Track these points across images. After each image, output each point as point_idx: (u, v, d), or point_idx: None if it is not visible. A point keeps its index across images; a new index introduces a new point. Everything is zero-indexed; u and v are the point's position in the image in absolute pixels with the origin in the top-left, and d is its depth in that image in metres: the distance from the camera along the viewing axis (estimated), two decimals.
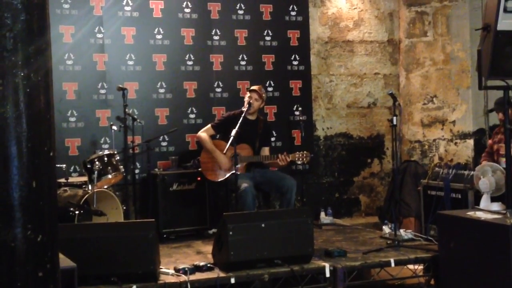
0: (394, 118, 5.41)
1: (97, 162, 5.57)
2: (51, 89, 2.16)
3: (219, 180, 6.02)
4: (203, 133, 6.13)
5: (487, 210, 4.64)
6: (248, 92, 6.13)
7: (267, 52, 7.15)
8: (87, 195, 5.38)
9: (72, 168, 6.29)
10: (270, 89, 7.10)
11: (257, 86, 6.17)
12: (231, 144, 5.40)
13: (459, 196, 5.43)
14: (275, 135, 7.00)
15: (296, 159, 5.89)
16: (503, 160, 4.90)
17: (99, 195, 5.55)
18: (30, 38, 2.04)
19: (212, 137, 6.14)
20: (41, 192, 2.07)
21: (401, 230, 5.58)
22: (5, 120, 1.98)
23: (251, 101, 5.97)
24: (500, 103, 5.91)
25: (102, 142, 6.44)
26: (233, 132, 5.40)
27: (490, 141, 5.97)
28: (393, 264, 4.82)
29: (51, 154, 2.13)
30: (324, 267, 4.61)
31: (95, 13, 6.44)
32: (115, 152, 5.82)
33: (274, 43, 7.18)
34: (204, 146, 6.10)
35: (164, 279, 4.35)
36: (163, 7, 6.70)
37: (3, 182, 1.98)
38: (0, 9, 1.96)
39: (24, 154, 2.02)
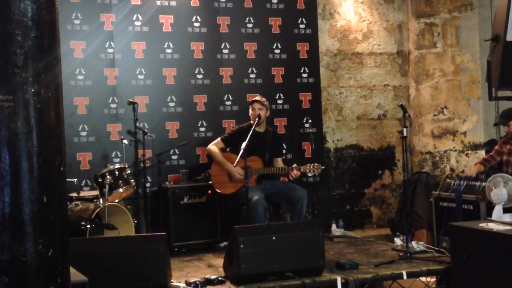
0: (405, 129, 5.39)
1: (108, 176, 5.59)
2: (61, 104, 2.18)
3: (229, 192, 6.02)
4: (213, 146, 6.14)
5: (500, 221, 4.61)
6: (250, 105, 6.14)
7: (276, 65, 7.18)
8: (98, 209, 5.39)
9: (83, 182, 6.32)
10: (279, 101, 7.12)
11: (257, 96, 6.18)
12: (241, 157, 5.41)
13: (471, 208, 5.39)
14: (285, 147, 7.00)
15: (308, 171, 5.89)
16: None
17: (111, 209, 5.57)
18: (41, 55, 2.06)
19: (222, 150, 6.16)
20: (52, 207, 2.08)
21: (413, 242, 5.54)
22: (16, 135, 2.00)
23: (256, 112, 5.98)
24: (504, 116, 5.89)
25: (113, 156, 6.47)
26: (243, 145, 5.40)
27: (497, 147, 5.92)
28: (405, 277, 4.78)
29: (62, 168, 2.14)
30: (335, 280, 4.59)
31: (105, 28, 6.50)
32: (126, 166, 5.85)
33: (284, 56, 7.21)
34: (214, 159, 6.11)
35: None
36: (172, 21, 6.75)
37: (14, 197, 1.99)
38: (10, 26, 1.99)
39: (35, 169, 2.03)
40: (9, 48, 1.99)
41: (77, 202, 5.66)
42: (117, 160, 6.41)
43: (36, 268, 2.03)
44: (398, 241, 5.73)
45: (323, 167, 6.21)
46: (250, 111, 6.09)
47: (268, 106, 6.18)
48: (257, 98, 6.12)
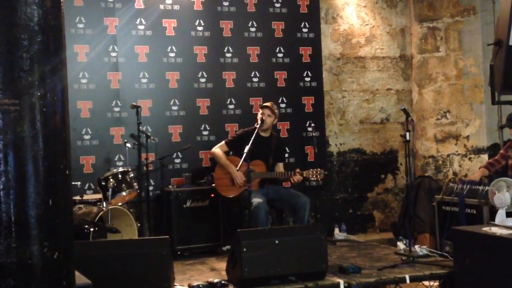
0: (407, 133, 5.40)
1: (111, 180, 5.60)
2: (67, 108, 2.19)
3: (232, 196, 6.03)
4: (217, 149, 6.16)
5: (503, 225, 4.60)
6: (260, 109, 6.16)
7: (279, 68, 7.19)
8: (101, 213, 5.40)
9: (86, 185, 6.33)
10: (282, 105, 7.13)
11: (269, 103, 6.20)
12: (244, 160, 5.41)
13: (474, 212, 5.39)
14: (288, 151, 7.01)
15: (310, 176, 5.89)
16: None
17: (114, 212, 5.58)
18: (46, 59, 2.07)
19: (226, 153, 6.17)
20: (57, 210, 2.09)
21: (416, 246, 5.54)
22: (22, 139, 2.01)
23: (263, 117, 6.00)
24: (511, 120, 5.89)
25: (116, 159, 6.48)
26: (246, 148, 5.41)
27: (502, 151, 5.92)
28: (408, 281, 4.78)
29: (67, 172, 2.15)
30: (338, 284, 4.59)
31: (109, 32, 6.52)
32: (129, 170, 5.86)
33: (286, 60, 7.22)
34: (218, 162, 6.12)
35: None
36: (176, 25, 6.77)
37: (20, 200, 2.00)
38: (17, 31, 2.00)
39: (41, 173, 2.04)
40: (15, 52, 2.01)
41: (80, 206, 5.66)
42: (120, 163, 6.41)
43: (42, 270, 2.04)
44: (401, 245, 5.73)
45: (326, 173, 6.21)
46: (259, 115, 6.10)
47: (277, 114, 6.19)
48: (269, 104, 6.13)
